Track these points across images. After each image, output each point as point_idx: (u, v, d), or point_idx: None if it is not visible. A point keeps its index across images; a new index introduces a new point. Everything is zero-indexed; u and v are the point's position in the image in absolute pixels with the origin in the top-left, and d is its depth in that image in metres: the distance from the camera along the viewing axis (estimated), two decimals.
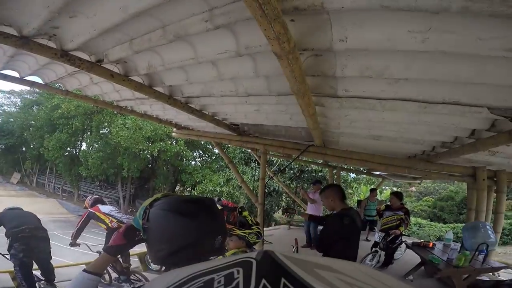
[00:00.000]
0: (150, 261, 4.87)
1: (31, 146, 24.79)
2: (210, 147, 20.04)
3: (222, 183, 15.59)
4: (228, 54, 1.80)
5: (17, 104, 27.28)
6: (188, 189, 19.93)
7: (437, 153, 3.47)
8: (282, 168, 13.37)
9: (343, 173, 13.28)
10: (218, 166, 19.14)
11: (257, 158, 8.80)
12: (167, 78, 2.64)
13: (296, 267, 0.36)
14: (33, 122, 23.23)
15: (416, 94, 1.91)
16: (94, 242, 4.39)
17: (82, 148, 21.66)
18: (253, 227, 2.07)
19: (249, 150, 9.66)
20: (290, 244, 3.56)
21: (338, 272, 0.37)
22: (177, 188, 21.54)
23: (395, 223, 4.58)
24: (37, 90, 19.80)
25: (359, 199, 10.04)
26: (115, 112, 15.62)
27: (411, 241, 5.14)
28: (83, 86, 3.38)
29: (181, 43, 1.85)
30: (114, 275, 4.04)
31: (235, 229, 2.03)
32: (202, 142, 19.13)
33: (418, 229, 14.18)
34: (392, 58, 1.57)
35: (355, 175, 16.01)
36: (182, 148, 17.87)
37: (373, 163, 4.17)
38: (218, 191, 15.13)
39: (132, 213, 16.93)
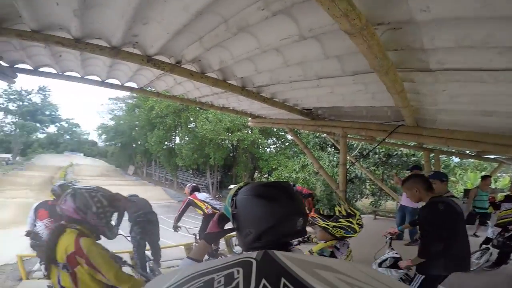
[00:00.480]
0: (234, 245, 5.34)
1: (139, 143, 30.22)
2: (283, 133, 20.25)
3: (297, 169, 15.58)
4: (292, 39, 1.72)
5: (122, 108, 34.02)
6: (265, 175, 20.79)
7: None
8: (364, 152, 12.30)
9: (443, 157, 11.21)
10: (292, 152, 19.24)
11: (334, 143, 8.31)
12: (238, 71, 2.72)
13: (296, 267, 0.36)
14: (137, 122, 28.19)
15: None
16: (190, 225, 4.96)
17: (176, 142, 25.08)
18: (340, 220, 1.82)
19: (324, 135, 9.20)
20: (376, 235, 3.26)
21: (338, 272, 0.37)
22: (256, 174, 22.73)
23: None
24: (134, 94, 23.67)
25: (465, 188, 8.36)
26: (198, 108, 17.49)
27: None
28: (170, 87, 3.81)
29: (244, 34, 1.86)
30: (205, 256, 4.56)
31: (318, 219, 1.88)
32: (275, 129, 19.49)
33: None
34: (494, 24, 1.28)
35: (459, 159, 13.42)
36: (257, 136, 18.75)
37: (485, 143, 3.31)
38: (294, 177, 15.16)
39: (220, 198, 18.84)
